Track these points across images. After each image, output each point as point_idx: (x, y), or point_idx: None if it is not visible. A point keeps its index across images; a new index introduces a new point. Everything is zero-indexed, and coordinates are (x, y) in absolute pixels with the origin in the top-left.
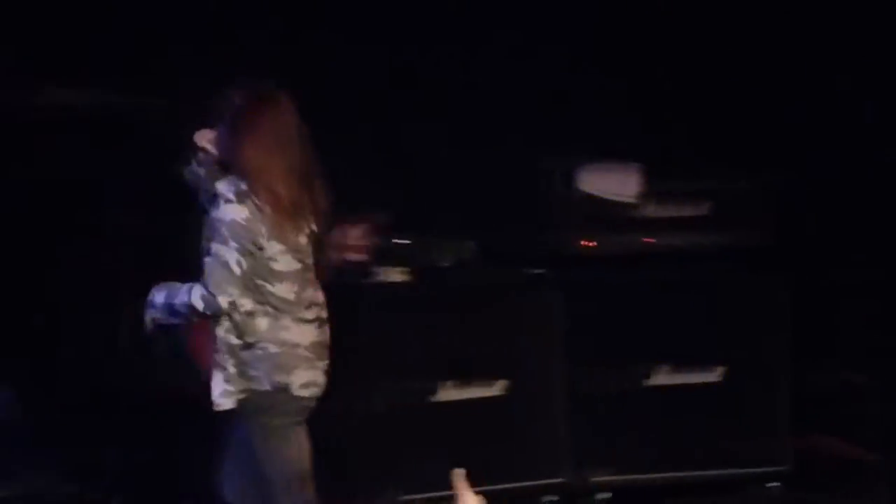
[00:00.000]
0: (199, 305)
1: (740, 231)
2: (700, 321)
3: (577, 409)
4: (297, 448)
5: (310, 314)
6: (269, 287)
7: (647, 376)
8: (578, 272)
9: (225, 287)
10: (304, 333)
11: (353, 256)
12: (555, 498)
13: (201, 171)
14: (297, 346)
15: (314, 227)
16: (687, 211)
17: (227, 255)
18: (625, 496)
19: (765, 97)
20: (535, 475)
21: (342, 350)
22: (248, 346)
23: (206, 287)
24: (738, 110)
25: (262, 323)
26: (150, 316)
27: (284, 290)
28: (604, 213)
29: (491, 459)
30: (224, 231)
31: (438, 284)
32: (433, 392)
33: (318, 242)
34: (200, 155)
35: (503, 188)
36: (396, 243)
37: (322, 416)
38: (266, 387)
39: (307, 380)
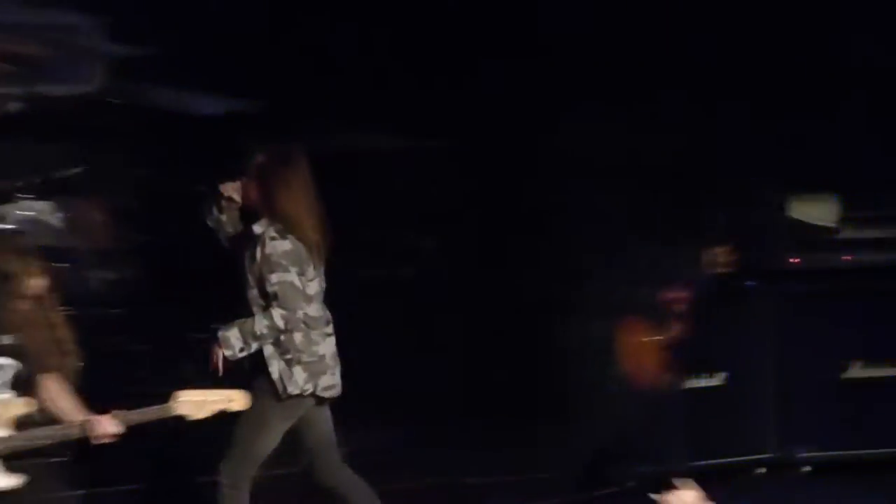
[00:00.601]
0: (281, 324)
1: None
2: (889, 324)
3: (785, 397)
4: (276, 439)
5: (329, 329)
6: (304, 306)
7: (845, 370)
8: (787, 284)
9: (298, 303)
10: (327, 346)
11: (723, 269)
12: (763, 470)
13: (223, 217)
14: (323, 356)
15: (324, 257)
16: (878, 233)
17: (290, 277)
18: (823, 469)
19: None
20: (749, 451)
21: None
22: (286, 358)
23: (283, 308)
24: None
25: (298, 337)
26: (225, 353)
27: (314, 310)
28: (809, 235)
29: (713, 437)
30: (281, 261)
31: None
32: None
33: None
34: (223, 202)
35: (728, 213)
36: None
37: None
38: (297, 391)
39: (329, 384)
